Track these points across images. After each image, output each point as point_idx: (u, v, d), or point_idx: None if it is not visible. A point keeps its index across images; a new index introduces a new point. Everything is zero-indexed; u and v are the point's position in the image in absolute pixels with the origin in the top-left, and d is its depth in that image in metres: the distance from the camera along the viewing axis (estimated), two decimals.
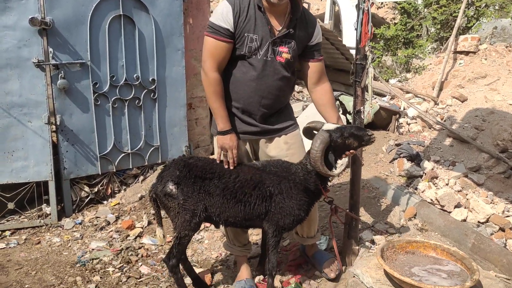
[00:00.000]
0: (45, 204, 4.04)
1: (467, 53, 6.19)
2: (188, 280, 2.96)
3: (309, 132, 2.77)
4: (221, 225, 2.68)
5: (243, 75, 2.61)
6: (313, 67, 2.75)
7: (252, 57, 2.57)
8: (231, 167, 2.56)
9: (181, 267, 2.77)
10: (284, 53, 2.60)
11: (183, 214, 2.50)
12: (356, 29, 2.89)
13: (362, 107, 2.96)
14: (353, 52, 6.04)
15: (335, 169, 2.62)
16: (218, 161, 2.60)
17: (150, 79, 4.37)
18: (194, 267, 3.03)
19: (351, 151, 2.61)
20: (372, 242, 3.36)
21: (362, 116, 2.95)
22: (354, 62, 2.96)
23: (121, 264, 3.32)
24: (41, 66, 3.80)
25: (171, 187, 2.49)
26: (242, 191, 2.52)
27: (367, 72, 2.87)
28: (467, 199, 3.81)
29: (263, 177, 2.56)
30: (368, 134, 2.58)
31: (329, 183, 2.75)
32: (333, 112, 2.78)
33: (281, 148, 2.78)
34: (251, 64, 2.59)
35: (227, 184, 2.52)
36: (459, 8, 6.30)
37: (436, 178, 4.12)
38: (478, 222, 3.57)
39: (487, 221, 3.55)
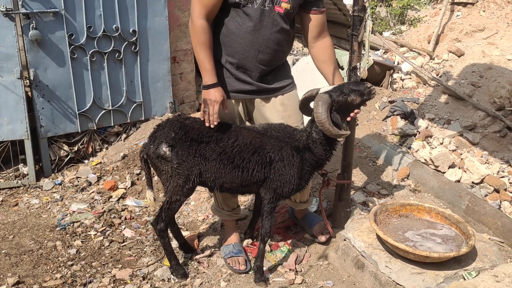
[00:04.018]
0: (22, 164, 3.85)
1: (465, 4, 5.93)
2: (174, 244, 2.85)
3: (305, 106, 2.58)
4: (215, 190, 2.55)
5: (238, 27, 2.39)
6: (315, 20, 2.53)
7: (248, 5, 2.34)
8: (211, 126, 2.34)
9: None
10: (284, 2, 2.37)
11: (176, 179, 2.36)
12: None
13: (358, 63, 2.76)
14: (347, 2, 5.76)
15: (344, 129, 2.46)
16: (202, 119, 2.40)
17: (131, 30, 4.07)
18: (180, 230, 2.91)
19: (356, 110, 2.44)
20: (364, 204, 3.26)
21: (358, 73, 2.76)
22: (352, 14, 2.73)
23: (104, 227, 3.18)
24: (9, 15, 3.49)
25: (164, 149, 2.33)
26: (240, 156, 2.36)
27: (365, 25, 2.65)
28: (462, 159, 3.71)
29: (264, 142, 2.40)
30: (368, 87, 2.43)
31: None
32: (333, 69, 2.59)
33: (277, 110, 2.60)
34: (247, 14, 2.35)
35: (224, 148, 2.35)
36: None
37: (431, 137, 3.99)
38: (473, 183, 3.48)
39: (482, 181, 3.47)
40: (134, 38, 4.10)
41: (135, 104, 4.28)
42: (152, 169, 2.52)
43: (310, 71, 4.72)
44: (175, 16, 4.52)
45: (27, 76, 3.73)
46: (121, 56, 4.06)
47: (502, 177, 3.53)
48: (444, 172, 3.58)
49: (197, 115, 2.80)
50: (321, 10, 2.53)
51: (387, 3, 6.87)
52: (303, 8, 2.50)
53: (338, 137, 2.42)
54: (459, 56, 5.14)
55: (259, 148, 2.38)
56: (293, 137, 2.45)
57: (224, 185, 2.42)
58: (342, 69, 4.55)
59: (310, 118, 2.51)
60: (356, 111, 2.46)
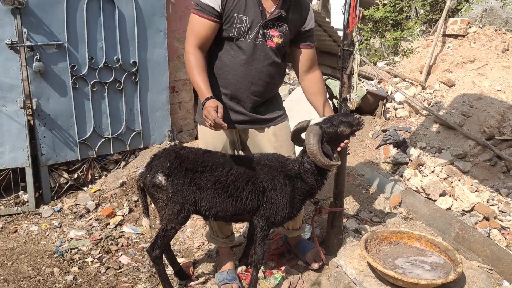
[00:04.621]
0: (22, 191, 3.93)
1: (456, 36, 6.11)
2: (169, 271, 2.90)
3: (297, 136, 2.66)
4: (210, 218, 2.60)
5: (231, 60, 2.50)
6: (305, 54, 2.64)
7: (241, 39, 2.46)
8: (223, 126, 2.23)
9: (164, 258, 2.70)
10: (275, 37, 2.48)
11: (171, 207, 2.42)
12: (343, 14, 2.79)
13: (348, 95, 2.87)
14: (341, 34, 5.94)
15: (335, 159, 2.54)
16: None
17: (131, 61, 4.22)
18: (176, 257, 2.96)
19: (346, 141, 2.53)
20: (356, 231, 3.33)
21: (348, 104, 2.87)
22: (341, 48, 2.86)
23: (100, 254, 3.24)
24: (14, 47, 3.64)
25: (160, 178, 2.39)
26: (235, 186, 2.42)
27: (353, 58, 2.78)
28: (453, 187, 3.78)
29: (257, 171, 2.47)
30: (357, 118, 2.50)
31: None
32: (323, 101, 2.69)
33: (269, 140, 2.69)
34: (240, 47, 2.47)
35: (219, 177, 2.41)
36: None
37: (422, 165, 4.08)
38: (463, 210, 3.55)
39: (472, 209, 3.53)
40: (134, 69, 4.24)
41: (134, 133, 4.38)
42: (148, 197, 2.59)
43: (305, 101, 4.80)
44: (175, 48, 4.68)
45: (30, 106, 3.84)
46: (121, 86, 4.19)
47: (492, 205, 3.60)
48: (435, 200, 3.65)
49: (195, 143, 2.88)
50: (311, 45, 2.65)
51: (381, 35, 7.06)
52: (294, 43, 2.62)
53: (329, 167, 2.49)
54: (450, 87, 5.28)
55: (253, 177, 2.45)
56: (285, 167, 2.52)
57: (218, 213, 2.48)
58: (337, 98, 4.67)
59: (302, 148, 2.60)
60: (346, 141, 2.54)
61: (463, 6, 6.73)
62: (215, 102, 2.29)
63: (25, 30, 3.64)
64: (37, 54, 3.72)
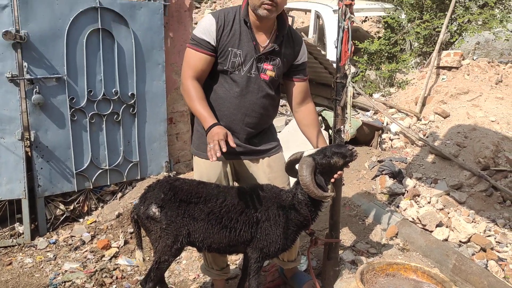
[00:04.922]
0: (18, 223, 3.91)
1: (450, 68, 6.21)
2: None
3: (291, 168, 2.67)
4: (204, 250, 2.59)
5: (225, 92, 2.54)
6: (298, 87, 2.69)
7: (235, 72, 2.51)
8: (215, 156, 2.19)
9: None
10: (269, 70, 2.54)
11: (164, 239, 2.40)
12: (336, 48, 2.86)
13: (342, 126, 2.91)
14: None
15: (328, 191, 2.55)
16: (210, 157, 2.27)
17: (129, 93, 4.29)
18: None
19: (339, 172, 2.55)
20: (353, 262, 3.30)
21: (342, 135, 2.91)
22: (335, 80, 2.92)
23: (94, 287, 3.20)
24: (14, 81, 3.70)
25: (154, 210, 2.39)
26: (228, 217, 2.42)
27: (346, 91, 2.83)
28: (449, 217, 3.78)
29: (251, 202, 2.47)
30: (350, 149, 2.53)
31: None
32: (317, 132, 2.73)
33: (264, 171, 2.70)
34: (234, 80, 2.52)
35: (212, 208, 2.41)
36: (442, 24, 6.33)
37: (418, 196, 4.09)
38: (460, 241, 3.53)
39: (469, 240, 3.52)
40: (133, 101, 4.30)
41: (132, 164, 4.41)
42: (142, 229, 2.58)
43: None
44: (173, 80, 4.75)
45: (28, 137, 3.87)
46: (120, 118, 4.24)
47: (489, 236, 3.58)
48: (431, 231, 3.64)
49: (192, 174, 2.89)
50: (304, 78, 2.70)
51: (376, 67, 7.18)
52: (287, 76, 2.67)
53: (322, 198, 2.49)
54: (444, 118, 5.34)
55: (246, 208, 2.45)
56: (279, 198, 2.53)
57: (212, 245, 2.46)
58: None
59: (295, 179, 2.61)
60: (339, 172, 2.56)
61: (456, 39, 6.86)
62: (223, 128, 2.30)
63: (25, 63, 3.71)
64: (37, 87, 3.78)
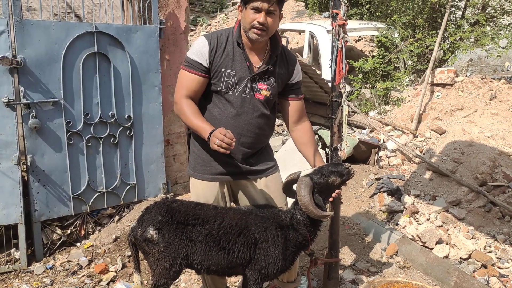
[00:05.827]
0: (14, 249, 3.86)
1: (444, 85, 6.27)
2: None
3: (288, 188, 2.67)
4: (202, 272, 2.56)
5: (220, 112, 2.55)
6: (294, 106, 2.70)
7: (229, 93, 2.51)
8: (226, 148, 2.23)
9: None
10: (263, 90, 2.55)
11: (162, 262, 2.38)
12: (331, 67, 2.89)
13: (339, 145, 2.92)
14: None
15: (327, 210, 2.54)
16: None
17: (126, 116, 4.29)
18: None
19: (337, 191, 2.54)
20: (354, 282, 3.27)
21: (339, 154, 2.91)
22: (330, 99, 2.94)
23: None
24: (11, 105, 3.70)
25: (151, 232, 2.37)
26: (226, 238, 2.40)
27: (341, 109, 2.85)
28: (449, 234, 3.76)
29: (249, 223, 2.45)
30: (346, 167, 2.53)
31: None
32: (313, 150, 2.72)
33: (261, 191, 2.69)
34: (228, 100, 2.53)
35: (210, 230, 2.40)
36: (435, 42, 6.41)
37: (417, 213, 4.08)
38: (460, 258, 3.51)
39: (469, 257, 3.50)
40: (129, 123, 4.30)
41: (129, 186, 4.38)
42: (140, 252, 2.55)
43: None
44: (169, 102, 4.76)
45: (24, 162, 3.85)
46: (116, 141, 4.24)
47: (489, 252, 3.57)
48: (432, 248, 3.62)
49: (190, 195, 2.87)
50: (299, 97, 2.71)
51: (371, 85, 7.24)
52: (282, 95, 2.69)
53: (321, 218, 2.48)
54: (440, 134, 5.37)
55: (245, 229, 2.43)
56: (277, 218, 2.52)
57: (211, 267, 2.44)
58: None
59: (294, 200, 2.60)
60: (337, 191, 2.56)
61: (449, 56, 6.95)
62: (223, 129, 2.27)
63: (22, 88, 3.72)
64: (33, 111, 3.78)
